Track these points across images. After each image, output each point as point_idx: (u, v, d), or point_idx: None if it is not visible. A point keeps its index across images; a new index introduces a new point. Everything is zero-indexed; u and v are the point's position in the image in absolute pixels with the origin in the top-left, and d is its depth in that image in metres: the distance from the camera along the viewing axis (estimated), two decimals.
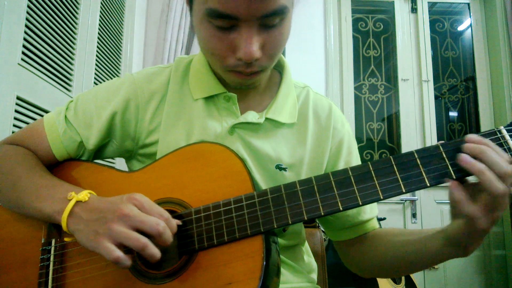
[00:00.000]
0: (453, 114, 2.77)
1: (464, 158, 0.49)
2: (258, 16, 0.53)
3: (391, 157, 0.52)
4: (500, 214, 0.48)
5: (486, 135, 0.52)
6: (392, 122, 2.72)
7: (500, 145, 0.51)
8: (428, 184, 0.50)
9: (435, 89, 2.70)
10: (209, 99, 0.70)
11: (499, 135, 0.51)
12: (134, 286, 0.55)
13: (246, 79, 0.62)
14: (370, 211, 0.73)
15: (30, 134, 0.70)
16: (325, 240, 1.49)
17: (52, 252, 0.60)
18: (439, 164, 0.51)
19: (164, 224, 0.50)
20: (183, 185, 0.59)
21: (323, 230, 1.33)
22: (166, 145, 0.67)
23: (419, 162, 0.51)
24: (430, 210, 2.53)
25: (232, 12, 0.53)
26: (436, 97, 2.71)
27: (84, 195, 0.56)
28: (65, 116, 0.69)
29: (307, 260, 0.77)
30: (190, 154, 0.61)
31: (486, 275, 2.47)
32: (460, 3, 2.82)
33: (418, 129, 2.65)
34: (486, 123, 2.66)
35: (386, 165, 0.52)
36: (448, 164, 0.50)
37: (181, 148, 0.62)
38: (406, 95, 2.69)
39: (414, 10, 2.76)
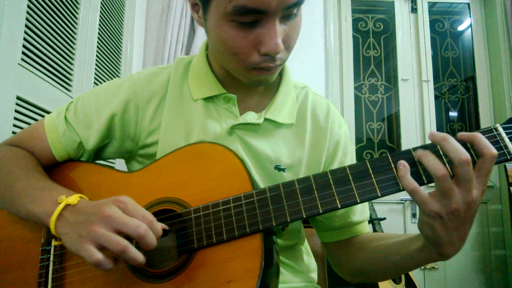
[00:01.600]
0: (453, 114, 2.77)
1: (432, 132, 0.50)
2: (285, 6, 0.54)
3: (388, 155, 0.53)
4: (451, 200, 0.48)
5: (483, 132, 0.52)
6: (392, 122, 2.72)
7: (497, 142, 0.51)
8: (426, 182, 0.51)
9: (435, 89, 2.70)
10: (208, 99, 0.70)
11: (495, 133, 0.52)
12: (134, 285, 0.55)
13: (268, 75, 0.62)
14: (360, 214, 0.72)
15: (30, 135, 0.71)
16: None
17: (51, 252, 0.60)
18: None
19: (146, 227, 0.49)
20: (183, 185, 0.59)
21: None
22: (166, 145, 0.67)
23: (416, 160, 0.51)
24: None
25: (261, 6, 0.52)
26: (436, 97, 2.71)
27: (73, 198, 0.55)
28: (65, 117, 0.70)
29: (306, 260, 0.77)
30: (189, 154, 0.61)
31: (486, 275, 2.47)
32: (460, 3, 2.82)
33: (418, 129, 2.65)
34: (486, 123, 2.66)
35: (384, 163, 0.52)
36: (446, 162, 0.50)
37: (180, 148, 0.62)
38: (406, 95, 2.69)
39: (414, 10, 2.76)
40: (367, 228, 0.74)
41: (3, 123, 1.06)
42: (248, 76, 0.63)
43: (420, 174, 0.51)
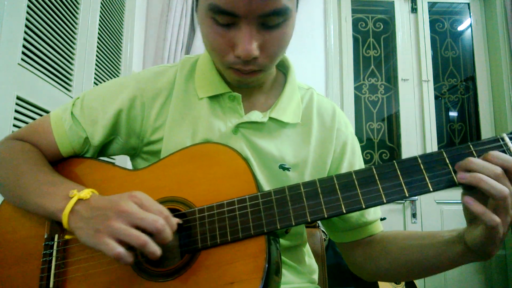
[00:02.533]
0: (453, 114, 2.77)
1: (460, 176, 0.50)
2: (257, 15, 0.54)
3: (394, 161, 0.53)
4: None
5: (489, 142, 0.52)
6: (392, 122, 2.72)
7: (503, 152, 0.51)
8: (431, 189, 0.51)
9: (435, 89, 2.70)
10: (213, 98, 0.70)
11: (501, 142, 0.51)
12: (136, 283, 0.55)
13: (244, 77, 0.62)
14: (374, 213, 0.72)
15: (36, 130, 0.71)
16: (325, 240, 1.49)
17: (54, 247, 0.60)
18: (442, 170, 0.51)
19: (164, 221, 0.50)
20: (187, 185, 0.59)
21: (323, 230, 1.32)
22: (171, 142, 0.68)
23: (422, 167, 0.52)
24: (430, 210, 2.53)
25: (232, 9, 0.53)
26: (436, 97, 2.71)
27: (86, 193, 0.55)
28: (71, 112, 0.70)
29: (308, 262, 0.77)
30: (195, 154, 0.62)
31: (486, 275, 2.47)
32: (460, 3, 2.81)
33: (418, 129, 2.65)
34: (486, 123, 2.66)
35: (390, 169, 0.52)
36: (451, 170, 0.51)
37: (186, 148, 0.63)
38: (406, 95, 2.69)
39: (414, 10, 2.76)
40: (380, 227, 0.74)
41: (3, 123, 1.06)
42: (227, 74, 0.64)
43: (426, 182, 0.51)
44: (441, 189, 0.51)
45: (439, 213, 2.53)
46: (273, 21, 0.56)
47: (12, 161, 0.65)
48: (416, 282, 1.97)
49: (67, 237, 0.59)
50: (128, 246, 0.50)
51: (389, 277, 0.70)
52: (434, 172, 0.51)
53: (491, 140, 0.52)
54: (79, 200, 0.55)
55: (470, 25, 2.79)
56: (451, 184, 0.51)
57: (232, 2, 0.53)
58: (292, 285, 0.71)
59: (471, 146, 0.52)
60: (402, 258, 0.65)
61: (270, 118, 0.69)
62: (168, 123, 0.69)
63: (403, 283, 1.91)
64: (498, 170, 0.48)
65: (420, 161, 0.52)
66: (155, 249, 0.49)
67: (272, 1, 0.53)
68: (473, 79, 2.75)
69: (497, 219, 0.47)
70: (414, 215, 2.51)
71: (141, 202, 0.52)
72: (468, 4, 2.80)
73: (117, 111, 0.69)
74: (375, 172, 0.53)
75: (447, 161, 0.51)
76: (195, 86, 0.71)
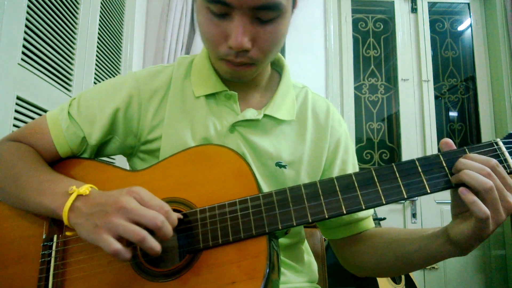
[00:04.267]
0: (453, 114, 2.77)
1: (454, 176, 0.52)
2: (249, 7, 0.55)
3: (393, 164, 0.54)
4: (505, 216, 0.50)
5: (483, 146, 0.54)
6: (392, 122, 2.72)
7: (497, 156, 0.53)
8: (429, 191, 0.52)
9: (435, 89, 2.70)
10: (210, 96, 0.71)
11: (495, 147, 0.54)
12: (137, 283, 0.55)
13: (235, 70, 0.63)
14: (366, 211, 0.72)
15: (33, 131, 0.70)
16: (325, 240, 1.50)
17: (53, 248, 0.60)
18: (439, 173, 0.53)
19: (163, 218, 0.50)
20: (189, 185, 0.59)
21: None
22: (169, 141, 0.68)
23: (420, 170, 0.53)
24: (430, 210, 2.53)
25: None
26: (436, 97, 2.71)
27: (85, 188, 0.55)
28: (68, 112, 0.70)
29: (307, 259, 0.78)
30: (196, 155, 0.62)
31: (486, 275, 2.47)
32: (460, 3, 2.82)
33: (418, 129, 2.65)
34: (486, 123, 2.66)
35: (388, 171, 0.54)
36: (448, 173, 0.53)
37: (186, 150, 0.63)
38: (406, 95, 2.69)
39: (414, 10, 2.76)
40: (372, 223, 0.75)
41: (3, 123, 1.06)
42: (219, 66, 0.65)
43: (424, 184, 0.52)
44: (438, 191, 0.53)
45: (439, 213, 2.53)
46: (266, 15, 0.57)
47: (9, 162, 0.65)
48: (416, 281, 1.97)
49: (67, 233, 0.59)
50: (128, 242, 0.50)
51: (378, 272, 0.71)
52: (431, 174, 0.53)
53: (485, 144, 0.54)
54: (79, 196, 0.55)
55: (470, 25, 2.79)
56: (448, 186, 0.53)
57: None
58: (291, 285, 0.71)
59: (466, 150, 0.54)
60: (388, 253, 0.66)
61: (265, 115, 0.70)
62: (166, 121, 0.69)
63: (403, 283, 1.90)
64: (481, 166, 0.50)
65: (417, 163, 0.54)
66: (154, 244, 0.49)
67: None
68: (473, 79, 2.75)
69: (487, 210, 0.48)
70: (414, 215, 2.51)
71: (141, 197, 0.51)
72: (468, 4, 2.80)
73: (114, 110, 0.69)
74: (374, 174, 0.54)
75: (444, 164, 0.53)
76: (191, 85, 0.72)
